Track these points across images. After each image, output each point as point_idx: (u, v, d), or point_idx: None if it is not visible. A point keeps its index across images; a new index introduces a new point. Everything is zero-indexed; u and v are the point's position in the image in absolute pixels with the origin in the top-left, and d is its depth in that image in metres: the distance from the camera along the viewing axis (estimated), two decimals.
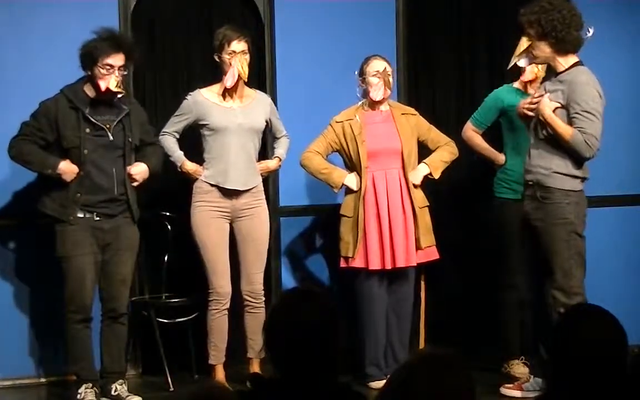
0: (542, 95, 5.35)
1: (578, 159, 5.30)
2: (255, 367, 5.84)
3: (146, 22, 6.50)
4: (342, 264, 6.00)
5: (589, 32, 5.53)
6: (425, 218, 5.95)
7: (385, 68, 5.93)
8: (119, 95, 5.51)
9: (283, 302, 2.95)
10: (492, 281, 6.27)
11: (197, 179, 5.81)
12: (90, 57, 5.40)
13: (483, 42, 6.99)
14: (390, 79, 5.96)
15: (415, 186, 5.92)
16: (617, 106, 6.94)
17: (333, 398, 2.83)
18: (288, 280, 6.59)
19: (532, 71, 6.04)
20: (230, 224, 5.84)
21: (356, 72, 5.97)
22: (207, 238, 5.77)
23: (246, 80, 5.84)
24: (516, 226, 6.08)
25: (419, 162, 6.03)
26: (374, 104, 5.97)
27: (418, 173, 5.97)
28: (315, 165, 5.98)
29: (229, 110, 5.81)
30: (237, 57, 5.75)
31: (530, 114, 5.40)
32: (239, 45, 5.76)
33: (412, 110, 6.11)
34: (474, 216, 6.75)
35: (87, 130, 5.45)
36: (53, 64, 5.87)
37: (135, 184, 5.58)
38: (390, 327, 5.95)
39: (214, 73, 6.15)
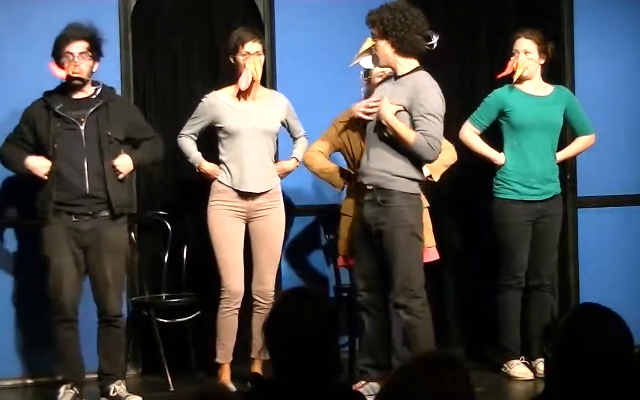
0: (380, 99, 5.36)
1: (421, 162, 5.31)
2: (257, 368, 5.82)
3: (146, 22, 6.49)
4: (340, 263, 6.01)
5: (434, 38, 5.55)
6: (426, 219, 5.93)
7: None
8: (96, 89, 5.55)
9: (283, 302, 2.95)
10: (492, 281, 6.27)
11: (214, 179, 5.79)
12: (55, 52, 5.50)
13: (483, 42, 6.99)
14: None
15: None
16: (619, 106, 6.95)
17: (332, 398, 2.83)
18: (289, 280, 6.58)
19: (511, 66, 6.07)
20: (246, 224, 5.83)
21: (361, 72, 5.96)
22: (222, 237, 5.75)
23: (259, 82, 5.82)
24: (516, 227, 6.10)
25: None
26: None
27: None
28: (318, 165, 5.98)
29: (243, 113, 5.79)
30: (251, 58, 5.73)
31: (367, 117, 5.40)
32: (253, 46, 5.74)
33: None
34: (474, 216, 6.75)
35: (58, 124, 5.48)
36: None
37: (120, 176, 5.55)
38: (391, 327, 5.94)
39: (213, 73, 6.15)
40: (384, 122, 5.31)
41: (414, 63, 5.37)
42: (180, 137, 5.87)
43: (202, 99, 5.86)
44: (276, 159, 6.09)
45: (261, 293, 5.83)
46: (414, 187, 5.35)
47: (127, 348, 5.94)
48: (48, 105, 5.51)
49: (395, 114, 5.28)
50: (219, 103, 5.80)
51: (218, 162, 5.82)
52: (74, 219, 5.46)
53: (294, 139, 6.02)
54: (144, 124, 5.80)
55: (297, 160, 6.00)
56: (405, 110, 5.29)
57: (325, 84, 6.56)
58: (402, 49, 5.32)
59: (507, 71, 6.10)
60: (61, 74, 5.49)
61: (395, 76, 5.43)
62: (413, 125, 5.26)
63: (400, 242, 5.29)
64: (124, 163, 5.56)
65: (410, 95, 5.28)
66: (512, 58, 6.11)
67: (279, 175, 5.92)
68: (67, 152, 5.46)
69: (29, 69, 6.03)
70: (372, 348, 5.57)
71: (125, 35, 6.31)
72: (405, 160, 5.29)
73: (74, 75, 5.48)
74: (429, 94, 5.28)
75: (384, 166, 5.31)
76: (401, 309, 5.34)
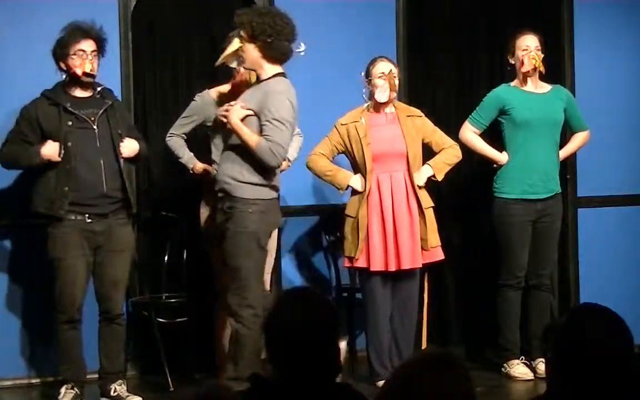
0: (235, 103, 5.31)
1: (264, 167, 5.20)
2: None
3: (146, 22, 6.50)
4: (346, 264, 6.00)
5: (301, 47, 5.53)
6: (430, 219, 5.94)
7: (390, 70, 5.91)
8: (99, 88, 5.56)
9: (282, 301, 2.94)
10: (492, 281, 6.27)
11: (207, 179, 5.78)
12: (62, 50, 5.48)
13: (483, 42, 7.00)
14: (396, 81, 5.93)
15: (419, 187, 5.91)
16: (618, 106, 6.96)
17: (333, 398, 2.83)
18: (288, 280, 6.59)
19: (531, 62, 6.06)
20: None
21: (362, 74, 5.95)
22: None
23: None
24: (517, 226, 6.10)
25: (423, 163, 6.02)
26: (378, 106, 5.95)
27: (422, 174, 5.95)
28: (320, 167, 5.97)
29: None
30: None
31: (226, 120, 5.30)
32: None
33: (417, 111, 6.07)
34: (475, 216, 6.75)
35: (70, 122, 5.45)
36: (53, 64, 5.86)
37: (121, 156, 5.52)
38: (396, 327, 5.95)
39: (213, 73, 6.14)
40: (229, 127, 5.25)
41: (277, 69, 5.31)
42: (170, 137, 5.84)
43: (194, 98, 5.84)
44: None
45: None
46: (261, 192, 5.24)
47: (127, 348, 5.94)
48: (55, 102, 5.48)
49: (245, 118, 5.21)
50: (213, 102, 5.78)
51: (210, 162, 5.80)
52: (88, 220, 5.45)
53: None
54: (133, 126, 5.88)
55: (289, 160, 5.99)
56: (255, 114, 5.21)
57: (325, 84, 6.56)
58: (269, 54, 5.26)
59: (529, 66, 6.07)
60: (78, 71, 5.47)
61: (258, 81, 5.36)
62: (261, 129, 5.19)
63: (240, 247, 5.18)
64: (129, 145, 5.56)
65: (261, 99, 5.21)
66: (523, 55, 6.07)
67: None
68: (81, 151, 5.44)
69: (29, 69, 6.03)
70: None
71: (125, 35, 6.31)
72: (251, 166, 5.20)
73: (92, 73, 5.48)
74: (277, 99, 5.18)
75: (230, 172, 5.24)
76: (232, 316, 5.22)
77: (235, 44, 5.38)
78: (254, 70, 5.38)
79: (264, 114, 5.16)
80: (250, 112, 5.21)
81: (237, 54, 5.41)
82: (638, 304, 6.57)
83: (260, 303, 5.22)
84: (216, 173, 5.39)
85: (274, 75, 5.28)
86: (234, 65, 5.54)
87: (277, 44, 5.24)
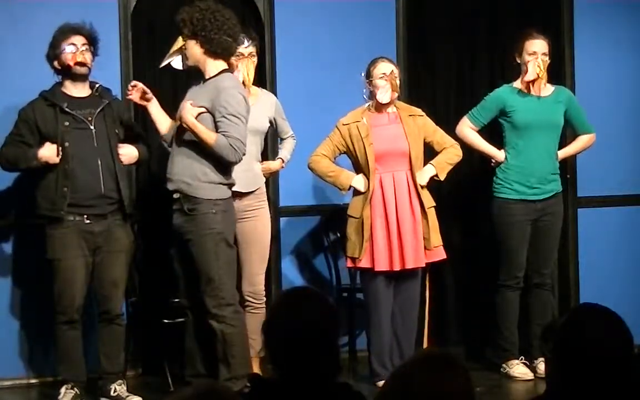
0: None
1: (224, 164, 5.18)
2: (254, 366, 5.82)
3: (146, 22, 6.50)
4: (349, 264, 5.99)
5: (246, 41, 5.51)
6: (432, 218, 5.93)
7: (392, 71, 5.90)
8: (97, 85, 5.58)
9: (282, 301, 2.94)
10: (491, 281, 6.27)
11: None
12: (54, 50, 5.49)
13: (483, 42, 7.00)
14: (397, 81, 5.93)
15: (422, 187, 5.90)
16: (619, 106, 6.96)
17: (333, 398, 2.83)
18: (288, 280, 6.58)
19: (535, 71, 6.04)
20: None
21: (362, 74, 5.94)
22: None
23: (250, 85, 5.80)
24: (516, 226, 6.10)
25: (425, 163, 6.01)
26: (380, 106, 5.94)
27: (424, 174, 5.94)
28: (323, 168, 5.96)
29: None
30: (244, 61, 5.72)
31: (138, 101, 5.34)
32: (247, 49, 5.73)
33: (419, 111, 6.06)
34: (475, 216, 6.75)
35: (66, 123, 5.45)
36: None
37: (121, 164, 5.53)
38: (397, 327, 5.95)
39: None
40: (185, 126, 5.20)
41: (222, 65, 5.28)
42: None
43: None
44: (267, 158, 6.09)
45: (253, 294, 5.82)
46: (221, 192, 5.23)
47: (127, 348, 5.94)
48: (53, 103, 5.49)
49: (197, 116, 5.18)
50: None
51: None
52: (86, 221, 5.45)
53: (281, 139, 6.01)
54: (134, 123, 5.88)
55: (283, 161, 5.99)
56: (207, 111, 5.19)
57: (325, 84, 6.56)
58: (211, 50, 5.22)
59: (532, 76, 6.05)
60: (70, 62, 5.48)
61: (204, 79, 5.31)
62: (216, 126, 5.17)
63: (209, 249, 5.18)
64: (128, 153, 5.57)
65: (212, 96, 5.17)
66: (528, 61, 6.05)
67: (264, 175, 5.91)
68: (79, 151, 5.44)
69: (29, 69, 6.02)
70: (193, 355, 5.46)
71: (125, 35, 6.31)
72: (210, 164, 5.18)
73: (83, 62, 5.49)
74: (230, 94, 5.15)
75: (188, 172, 5.21)
76: (213, 318, 5.23)
77: (178, 42, 5.35)
78: (199, 68, 5.32)
79: (219, 111, 5.14)
80: (203, 110, 5.18)
81: (181, 52, 5.37)
82: (638, 304, 6.56)
83: (236, 299, 5.27)
84: (167, 174, 5.33)
85: (221, 72, 5.25)
86: (178, 66, 5.49)
87: (218, 39, 5.20)
